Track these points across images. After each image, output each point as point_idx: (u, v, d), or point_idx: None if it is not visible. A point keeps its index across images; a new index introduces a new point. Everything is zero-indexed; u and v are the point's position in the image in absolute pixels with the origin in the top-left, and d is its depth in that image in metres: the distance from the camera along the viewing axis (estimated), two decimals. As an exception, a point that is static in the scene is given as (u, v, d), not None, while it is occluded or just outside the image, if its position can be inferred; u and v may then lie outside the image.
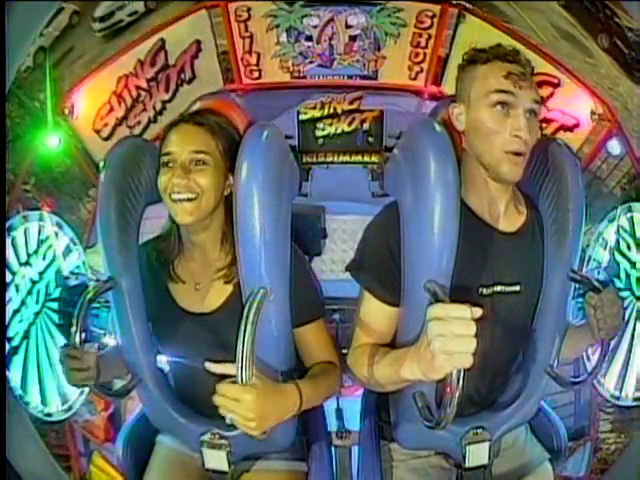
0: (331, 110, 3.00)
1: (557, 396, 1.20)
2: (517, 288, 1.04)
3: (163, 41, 2.68)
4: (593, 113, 2.47)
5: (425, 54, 2.93)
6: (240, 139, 1.03)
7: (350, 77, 3.03)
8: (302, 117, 2.99)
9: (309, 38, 2.95)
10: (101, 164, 1.05)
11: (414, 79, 2.99)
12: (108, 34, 2.65)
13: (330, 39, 2.96)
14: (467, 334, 0.76)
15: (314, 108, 3.00)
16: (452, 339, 0.76)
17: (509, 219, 1.05)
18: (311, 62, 2.99)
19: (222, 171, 1.03)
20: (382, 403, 1.21)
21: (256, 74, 2.99)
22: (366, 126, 3.00)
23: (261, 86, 3.01)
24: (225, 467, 1.09)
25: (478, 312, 0.77)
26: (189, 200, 0.99)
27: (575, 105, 2.53)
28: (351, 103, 3.00)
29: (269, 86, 3.02)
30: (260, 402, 0.86)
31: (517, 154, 0.97)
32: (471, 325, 0.76)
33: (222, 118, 1.07)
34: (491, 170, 0.99)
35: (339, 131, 3.00)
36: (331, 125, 3.00)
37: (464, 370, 0.78)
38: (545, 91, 2.54)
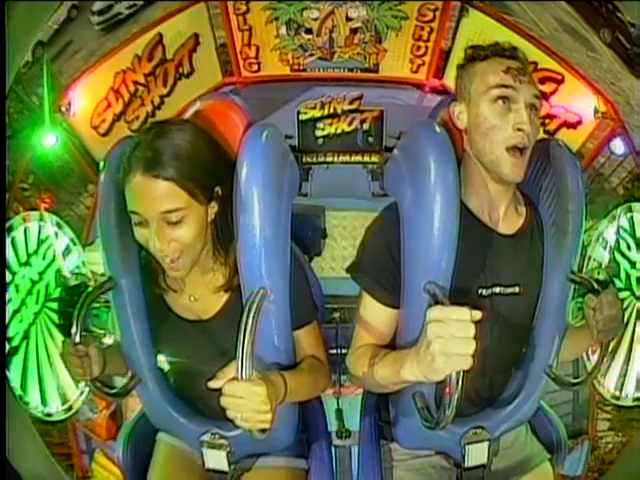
0: (331, 110, 2.99)
1: (555, 394, 1.20)
2: (516, 289, 1.04)
3: (160, 35, 2.65)
4: (596, 111, 2.45)
5: (427, 47, 2.90)
6: (217, 139, 1.00)
7: (351, 70, 3.01)
8: (302, 117, 2.97)
9: (309, 31, 2.92)
10: (101, 164, 1.03)
11: (416, 72, 2.97)
12: (107, 27, 2.63)
13: (330, 32, 2.93)
14: (466, 336, 0.76)
15: (314, 108, 2.98)
16: (451, 341, 0.76)
17: (509, 221, 1.05)
18: (311, 55, 2.97)
19: (201, 210, 0.95)
20: (382, 403, 1.22)
21: (255, 67, 2.97)
22: (366, 126, 2.98)
23: (260, 79, 2.99)
24: (225, 467, 1.10)
25: (477, 314, 0.77)
26: (176, 258, 0.95)
27: (578, 102, 2.52)
28: (351, 103, 2.98)
29: (268, 79, 3.00)
30: (269, 393, 0.86)
31: (519, 150, 0.96)
32: (470, 327, 0.76)
33: (186, 134, 0.94)
34: (492, 170, 0.99)
35: (339, 131, 2.99)
36: (331, 125, 2.99)
37: (463, 372, 0.78)
38: (548, 87, 2.52)
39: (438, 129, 0.98)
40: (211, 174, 0.96)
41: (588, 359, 1.76)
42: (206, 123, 1.05)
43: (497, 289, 1.03)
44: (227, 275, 1.03)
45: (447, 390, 0.81)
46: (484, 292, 1.02)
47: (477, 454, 1.09)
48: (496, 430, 1.09)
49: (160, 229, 0.92)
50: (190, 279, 1.04)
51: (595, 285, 0.99)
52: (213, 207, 0.98)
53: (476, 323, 0.77)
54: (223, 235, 1.01)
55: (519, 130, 0.96)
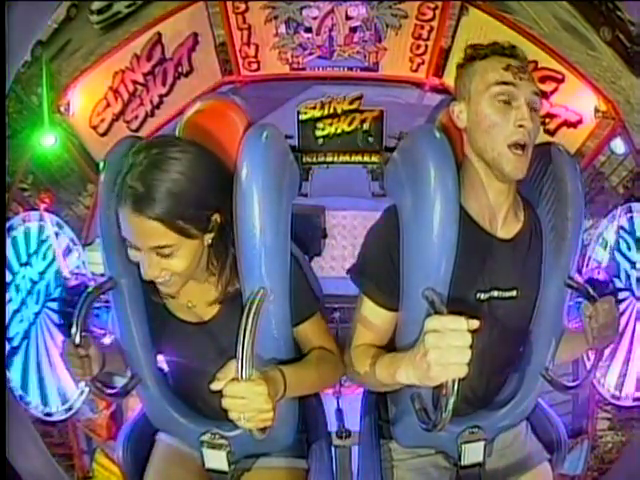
0: (331, 110, 2.99)
1: (555, 394, 1.20)
2: (514, 293, 1.04)
3: (160, 35, 2.65)
4: (597, 110, 2.45)
5: (427, 46, 2.91)
6: (219, 159, 0.98)
7: (350, 69, 3.01)
8: (302, 117, 2.97)
9: (308, 29, 2.92)
10: (101, 164, 1.03)
11: (415, 71, 2.98)
12: (106, 26, 2.64)
13: (330, 30, 2.93)
14: (463, 345, 0.76)
15: (314, 108, 2.98)
16: (448, 350, 0.77)
17: (508, 225, 1.05)
18: (310, 54, 2.97)
19: (194, 243, 0.93)
20: (382, 401, 1.22)
21: (255, 66, 2.98)
22: (366, 126, 2.98)
23: (260, 78, 2.99)
24: (225, 467, 1.10)
25: (474, 324, 0.78)
26: (168, 280, 0.94)
27: (579, 101, 2.52)
28: (351, 103, 2.99)
29: (268, 78, 3.00)
30: (270, 391, 0.86)
31: (520, 147, 0.96)
32: (467, 336, 0.76)
33: (183, 165, 0.89)
34: (494, 167, 0.98)
35: (339, 131, 2.99)
36: (331, 125, 2.99)
37: (459, 378, 0.79)
38: (549, 86, 2.52)
39: (438, 135, 0.97)
40: (208, 205, 0.93)
41: (588, 358, 1.76)
42: (205, 124, 1.05)
43: (495, 293, 1.03)
44: (220, 289, 1.03)
45: (444, 392, 0.81)
46: (482, 296, 1.02)
47: (473, 453, 1.09)
48: (492, 430, 1.10)
49: (150, 259, 0.91)
50: (186, 287, 1.02)
51: (591, 292, 1.00)
52: (209, 236, 0.96)
53: (473, 330, 0.77)
54: (219, 254, 1.00)
55: (520, 127, 0.95)
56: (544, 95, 2.42)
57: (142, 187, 0.86)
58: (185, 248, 0.92)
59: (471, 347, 0.76)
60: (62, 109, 2.38)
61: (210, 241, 0.97)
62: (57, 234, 2.24)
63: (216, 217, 0.95)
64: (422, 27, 2.85)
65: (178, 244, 0.90)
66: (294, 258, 1.05)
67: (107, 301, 1.07)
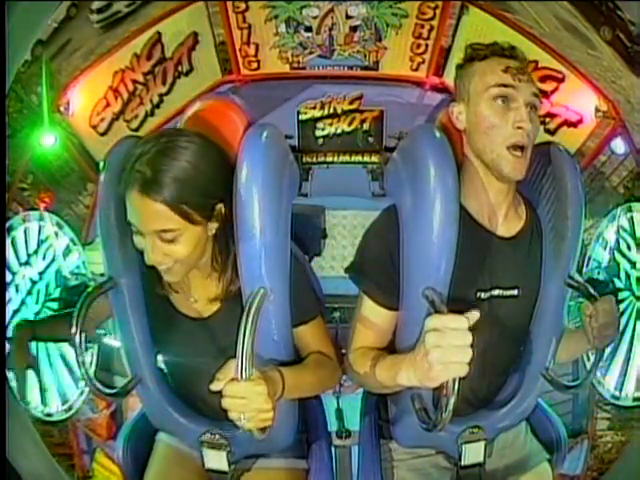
0: (331, 110, 2.99)
1: (555, 393, 1.21)
2: (514, 292, 1.05)
3: (159, 34, 2.65)
4: (597, 110, 2.45)
5: (427, 45, 2.90)
6: (225, 153, 0.99)
7: (350, 68, 3.01)
8: (302, 117, 2.97)
9: (309, 29, 2.91)
10: (101, 164, 1.03)
11: (416, 70, 2.97)
12: (106, 25, 2.62)
13: (330, 30, 2.93)
14: (463, 344, 0.77)
15: (314, 108, 2.98)
16: (449, 349, 0.77)
17: (508, 224, 1.05)
18: (311, 53, 2.96)
19: (198, 230, 0.95)
20: (382, 402, 1.22)
21: (255, 65, 2.97)
22: (366, 126, 2.98)
23: (260, 77, 2.99)
24: (225, 467, 1.10)
25: (475, 316, 0.78)
26: (170, 267, 0.96)
27: (579, 101, 2.52)
28: (351, 103, 2.99)
29: (268, 77, 2.99)
30: (269, 391, 0.86)
31: (519, 148, 0.96)
32: (467, 335, 0.77)
33: (191, 154, 0.92)
34: (493, 168, 0.99)
35: (339, 131, 2.99)
36: (331, 125, 2.99)
37: (460, 377, 0.79)
38: (549, 86, 2.52)
39: (438, 134, 0.98)
40: (212, 194, 0.95)
41: (588, 359, 1.76)
42: (206, 123, 1.05)
43: (496, 292, 1.03)
44: (222, 287, 1.03)
45: (444, 392, 0.82)
46: (483, 295, 1.03)
47: (473, 453, 1.10)
48: (492, 429, 1.10)
49: (154, 243, 0.93)
50: (191, 281, 1.05)
51: (591, 292, 1.00)
52: (213, 224, 0.97)
53: (474, 325, 0.78)
54: (222, 249, 1.01)
55: (519, 128, 0.96)
56: (544, 94, 2.42)
57: (150, 172, 0.89)
58: (188, 234, 0.93)
59: (472, 346, 0.76)
60: (62, 108, 2.38)
61: (214, 231, 0.98)
62: (57, 234, 2.24)
63: (220, 207, 0.97)
64: (422, 26, 2.85)
65: (182, 229, 0.92)
66: (295, 259, 1.06)
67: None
